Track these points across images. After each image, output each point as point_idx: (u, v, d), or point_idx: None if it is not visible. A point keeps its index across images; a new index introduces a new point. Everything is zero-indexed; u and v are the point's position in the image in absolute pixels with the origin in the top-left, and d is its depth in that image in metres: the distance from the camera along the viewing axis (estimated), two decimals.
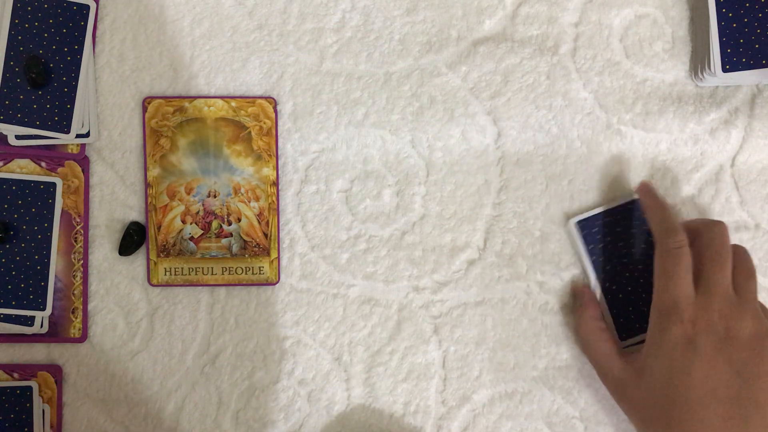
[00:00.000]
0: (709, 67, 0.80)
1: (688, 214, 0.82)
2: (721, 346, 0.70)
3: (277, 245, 0.81)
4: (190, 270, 0.81)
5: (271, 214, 0.81)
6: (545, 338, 0.82)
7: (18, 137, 0.79)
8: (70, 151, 0.80)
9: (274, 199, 0.81)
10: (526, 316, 0.82)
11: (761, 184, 0.82)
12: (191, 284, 0.81)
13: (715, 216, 0.82)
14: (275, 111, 0.81)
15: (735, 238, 0.82)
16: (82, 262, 0.80)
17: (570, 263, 0.82)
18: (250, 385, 0.81)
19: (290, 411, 0.81)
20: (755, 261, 0.80)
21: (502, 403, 0.81)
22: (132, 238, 0.80)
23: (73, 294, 0.80)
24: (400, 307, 0.81)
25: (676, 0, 0.83)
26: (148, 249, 0.80)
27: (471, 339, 0.81)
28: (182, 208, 0.80)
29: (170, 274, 0.81)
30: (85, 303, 0.80)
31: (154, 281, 0.81)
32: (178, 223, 0.80)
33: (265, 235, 0.81)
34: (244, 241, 0.81)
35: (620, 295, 0.80)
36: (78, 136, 0.79)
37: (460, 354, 0.81)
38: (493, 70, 0.82)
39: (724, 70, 0.80)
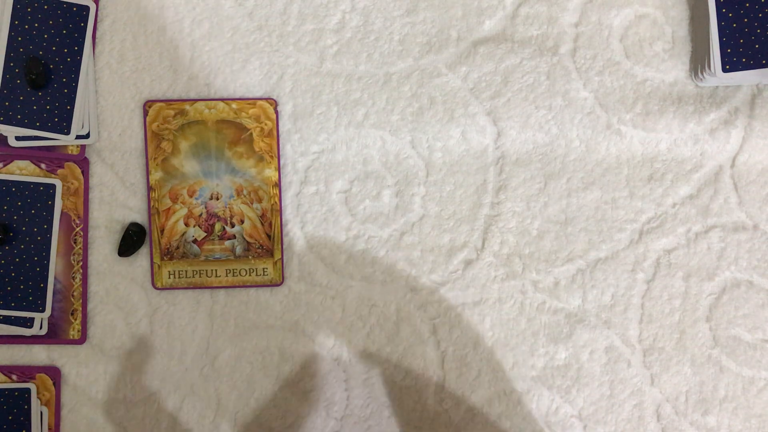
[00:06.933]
0: (709, 67, 0.80)
1: (687, 214, 0.82)
2: None
3: (280, 246, 0.81)
4: (194, 273, 0.81)
5: (273, 216, 0.81)
6: (543, 338, 0.82)
7: (18, 138, 0.79)
8: (69, 152, 0.80)
9: (277, 200, 0.81)
10: (524, 315, 0.82)
11: (760, 185, 0.82)
12: (196, 287, 0.81)
13: (713, 216, 0.82)
14: (276, 112, 0.81)
15: (733, 239, 0.82)
16: (81, 263, 0.80)
17: (565, 261, 0.82)
18: (248, 387, 0.81)
19: (289, 412, 0.81)
20: (754, 262, 0.81)
21: (501, 403, 0.81)
22: (131, 239, 0.80)
23: (73, 295, 0.80)
24: (398, 307, 0.82)
25: (676, 0, 0.83)
26: (151, 252, 0.81)
27: (469, 339, 0.82)
28: (185, 210, 0.81)
29: (174, 277, 0.81)
30: (84, 304, 0.80)
31: (159, 285, 0.81)
32: (181, 226, 0.81)
33: (269, 236, 0.81)
34: (248, 242, 0.81)
35: None
36: (78, 137, 0.80)
37: (458, 354, 0.82)
38: (493, 71, 0.82)
39: (724, 70, 0.79)
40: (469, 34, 0.83)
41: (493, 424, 0.81)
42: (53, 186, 0.80)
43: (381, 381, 0.81)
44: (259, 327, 0.81)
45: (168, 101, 0.81)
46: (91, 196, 0.81)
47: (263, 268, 0.81)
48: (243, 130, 0.81)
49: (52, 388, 0.80)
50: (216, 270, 0.81)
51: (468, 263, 0.82)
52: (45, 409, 0.80)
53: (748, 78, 0.80)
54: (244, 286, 0.81)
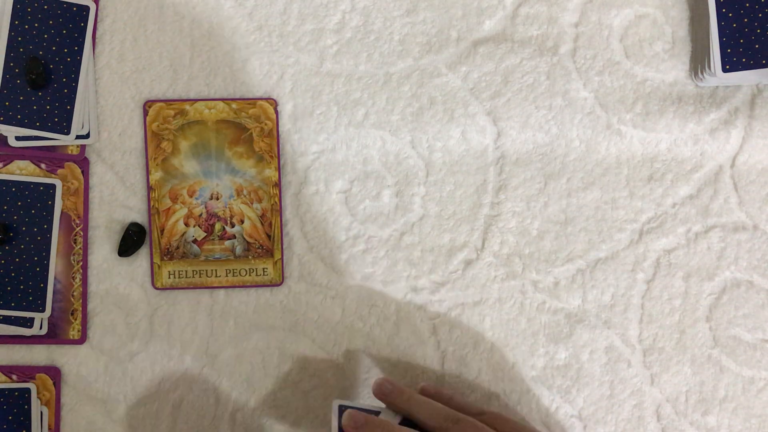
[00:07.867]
0: (709, 67, 0.80)
1: (687, 214, 0.82)
2: None
3: (280, 246, 0.81)
4: (194, 273, 0.81)
5: (273, 216, 0.81)
6: (543, 338, 0.82)
7: (18, 138, 0.79)
8: (69, 152, 0.80)
9: (277, 200, 0.81)
10: (524, 315, 0.82)
11: (760, 185, 0.82)
12: (196, 287, 0.81)
13: (713, 216, 0.82)
14: (276, 112, 0.81)
15: (733, 239, 0.82)
16: (81, 263, 0.80)
17: (565, 261, 0.82)
18: (248, 387, 0.81)
19: (288, 412, 0.81)
20: (754, 262, 0.81)
21: (501, 403, 0.81)
22: (131, 239, 0.80)
23: (73, 295, 0.80)
24: (398, 307, 0.81)
25: (676, 0, 0.83)
26: (151, 252, 0.81)
27: (469, 339, 0.82)
28: (185, 210, 0.81)
29: (174, 278, 0.81)
30: (84, 304, 0.80)
31: (159, 285, 0.81)
32: (181, 226, 0.81)
33: (269, 236, 0.81)
34: (248, 242, 0.81)
35: None
36: (78, 137, 0.80)
37: (458, 354, 0.81)
38: (493, 71, 0.82)
39: (724, 70, 0.79)
40: (469, 34, 0.83)
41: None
42: (53, 186, 0.80)
43: None
44: (259, 327, 0.81)
45: (168, 101, 0.81)
46: (91, 196, 0.81)
47: (263, 268, 0.81)
48: (243, 130, 0.81)
49: (52, 388, 0.80)
50: (216, 270, 0.81)
51: (468, 263, 0.82)
52: (45, 409, 0.80)
53: (748, 78, 0.80)
54: (244, 286, 0.81)
